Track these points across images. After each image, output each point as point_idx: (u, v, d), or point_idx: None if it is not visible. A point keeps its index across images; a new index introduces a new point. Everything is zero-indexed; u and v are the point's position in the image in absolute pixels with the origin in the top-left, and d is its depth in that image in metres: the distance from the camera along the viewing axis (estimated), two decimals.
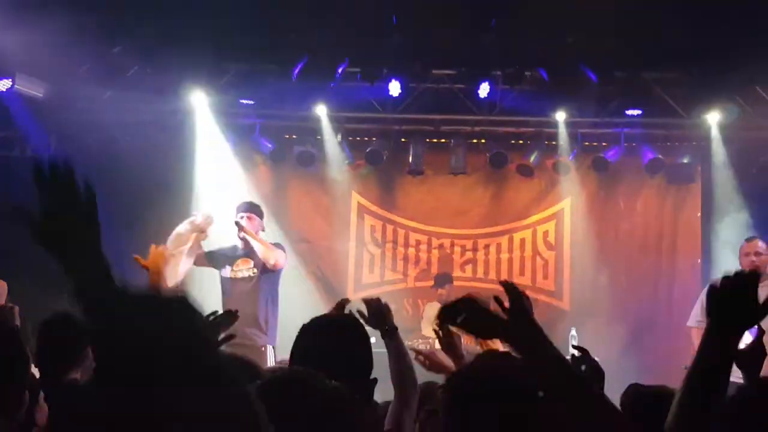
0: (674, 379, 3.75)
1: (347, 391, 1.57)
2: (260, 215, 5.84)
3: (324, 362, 1.62)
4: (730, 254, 7.33)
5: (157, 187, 7.48)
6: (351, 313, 2.54)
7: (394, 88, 7.02)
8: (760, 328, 2.15)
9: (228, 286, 5.70)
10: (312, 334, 2.24)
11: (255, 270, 5.69)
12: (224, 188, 7.59)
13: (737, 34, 5.95)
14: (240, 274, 5.71)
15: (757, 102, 7.02)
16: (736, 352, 2.12)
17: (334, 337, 2.28)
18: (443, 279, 7.57)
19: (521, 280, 8.06)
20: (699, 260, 7.86)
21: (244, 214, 5.73)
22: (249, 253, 5.72)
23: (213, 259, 5.75)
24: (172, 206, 7.44)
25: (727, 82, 6.82)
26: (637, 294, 7.78)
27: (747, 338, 2.17)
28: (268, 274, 5.69)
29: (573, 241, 8.07)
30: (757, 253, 5.71)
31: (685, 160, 7.79)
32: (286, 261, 5.78)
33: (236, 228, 5.65)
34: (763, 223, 7.18)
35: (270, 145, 7.84)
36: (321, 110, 7.45)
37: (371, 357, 2.28)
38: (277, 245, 5.83)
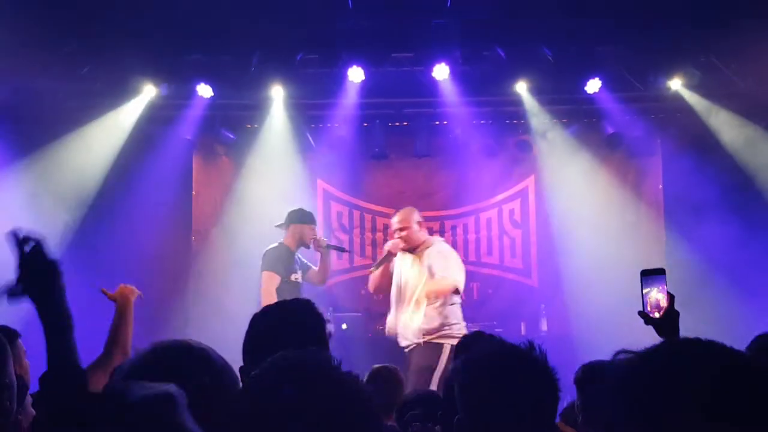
0: (642, 347, 3.85)
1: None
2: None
3: (281, 345, 1.59)
4: (694, 225, 7.50)
5: (119, 184, 7.43)
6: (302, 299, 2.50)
7: (355, 74, 6.99)
8: (670, 295, 2.26)
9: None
10: (265, 320, 2.23)
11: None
12: (186, 179, 7.51)
13: (687, 5, 6.02)
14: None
15: (712, 70, 7.10)
16: (653, 323, 2.24)
17: (289, 320, 2.28)
18: None
19: (489, 260, 8.14)
20: (663, 232, 7.98)
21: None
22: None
23: None
24: (135, 200, 7.39)
25: (682, 52, 6.90)
26: (602, 268, 7.87)
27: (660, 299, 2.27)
28: None
29: (538, 219, 8.14)
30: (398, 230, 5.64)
31: (644, 133, 7.88)
32: None
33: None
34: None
35: (231, 136, 7.79)
36: (279, 97, 7.39)
37: (325, 334, 2.29)
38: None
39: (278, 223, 6.13)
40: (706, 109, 7.42)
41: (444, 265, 5.52)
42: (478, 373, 1.82)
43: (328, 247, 6.10)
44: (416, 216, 5.77)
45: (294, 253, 6.01)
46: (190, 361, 1.67)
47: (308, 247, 6.06)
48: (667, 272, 2.33)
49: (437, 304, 5.55)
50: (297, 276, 5.96)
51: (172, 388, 1.25)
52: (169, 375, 1.57)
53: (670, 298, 2.29)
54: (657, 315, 2.28)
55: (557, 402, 1.85)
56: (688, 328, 2.30)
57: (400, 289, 5.71)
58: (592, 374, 2.89)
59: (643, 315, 2.29)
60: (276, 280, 5.78)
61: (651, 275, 2.31)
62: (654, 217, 8.03)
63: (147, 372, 1.60)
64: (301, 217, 6.05)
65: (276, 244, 6.03)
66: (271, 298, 5.49)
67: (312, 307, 2.33)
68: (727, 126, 7.44)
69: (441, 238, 5.73)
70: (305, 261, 6.12)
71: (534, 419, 1.79)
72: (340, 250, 6.48)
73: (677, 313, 2.29)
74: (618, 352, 1.29)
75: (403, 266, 5.74)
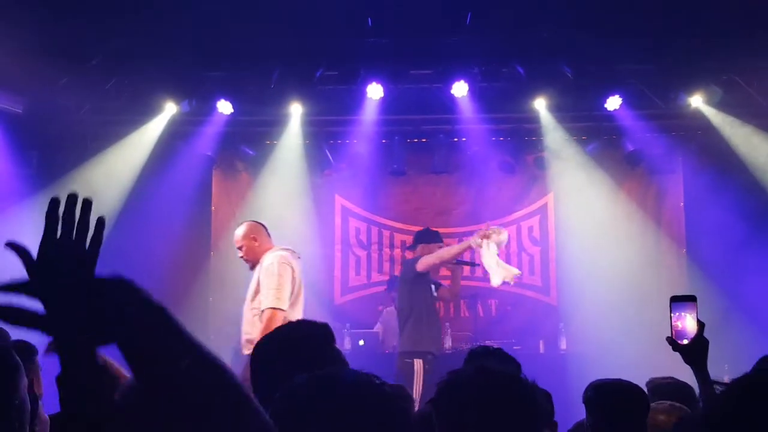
0: (662, 371, 3.80)
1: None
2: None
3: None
4: (715, 242, 7.42)
5: (139, 199, 7.49)
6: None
7: (375, 90, 7.02)
8: (700, 323, 2.23)
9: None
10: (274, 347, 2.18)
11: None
12: (206, 194, 7.55)
13: (708, 23, 5.99)
14: None
15: (734, 88, 7.05)
16: (681, 349, 2.21)
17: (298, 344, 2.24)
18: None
19: None
20: (684, 250, 7.91)
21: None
22: None
23: None
24: (155, 215, 7.45)
25: (703, 70, 6.86)
26: (622, 286, 7.79)
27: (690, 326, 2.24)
28: None
29: (558, 236, 8.10)
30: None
31: (665, 151, 7.83)
32: None
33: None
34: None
35: (250, 152, 7.84)
36: (298, 114, 7.44)
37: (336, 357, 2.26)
38: None
39: (408, 246, 6.49)
40: (728, 126, 7.36)
41: (266, 282, 5.49)
42: (456, 397, 1.78)
43: (458, 263, 6.10)
44: (252, 230, 5.65)
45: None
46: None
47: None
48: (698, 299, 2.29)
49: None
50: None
51: None
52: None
53: (700, 325, 2.25)
54: (685, 342, 2.24)
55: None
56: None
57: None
58: (599, 393, 2.85)
59: (671, 341, 2.25)
60: None
61: (681, 301, 2.27)
62: (675, 235, 7.96)
63: None
64: (428, 237, 6.14)
65: None
66: None
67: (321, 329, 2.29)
68: (748, 144, 7.36)
69: (280, 252, 5.62)
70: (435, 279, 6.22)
71: None
72: (471, 264, 6.39)
73: (706, 342, 2.24)
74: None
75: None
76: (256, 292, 5.44)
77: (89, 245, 1.38)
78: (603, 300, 7.67)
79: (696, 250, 7.75)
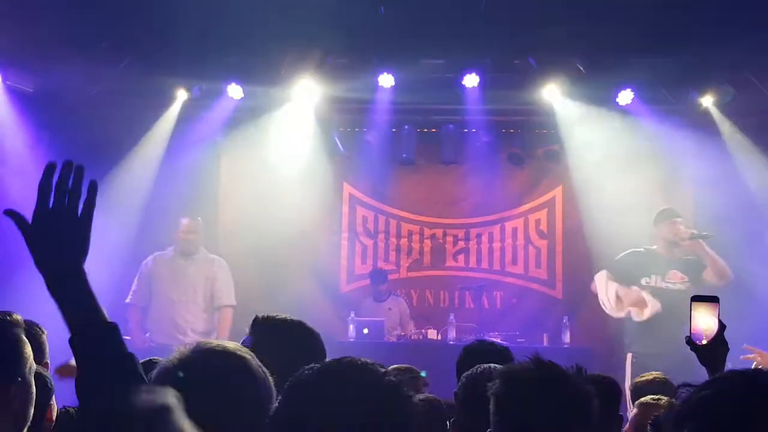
0: (667, 368, 3.79)
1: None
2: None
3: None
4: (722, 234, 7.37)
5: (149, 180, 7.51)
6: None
7: (386, 79, 7.00)
8: (721, 323, 2.21)
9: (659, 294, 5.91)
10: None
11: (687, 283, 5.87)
12: (214, 180, 7.55)
13: (721, 19, 5.93)
14: (669, 286, 5.90)
15: (747, 87, 6.99)
16: (698, 350, 2.20)
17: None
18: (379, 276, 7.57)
19: (514, 269, 8.09)
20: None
21: (678, 219, 5.99)
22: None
23: None
24: (165, 199, 7.46)
25: (715, 67, 6.80)
26: None
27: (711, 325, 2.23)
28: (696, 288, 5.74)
29: (565, 230, 8.07)
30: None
31: (676, 147, 7.77)
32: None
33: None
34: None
35: (259, 137, 7.83)
36: (309, 101, 7.41)
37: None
38: None
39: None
40: (731, 133, 7.33)
41: (228, 279, 6.20)
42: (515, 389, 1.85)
43: (692, 237, 5.98)
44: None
45: (660, 255, 6.07)
46: (229, 370, 1.64)
47: (677, 245, 6.06)
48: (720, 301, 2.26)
49: None
50: (649, 280, 6.01)
51: (170, 398, 1.25)
52: (206, 380, 1.58)
53: (721, 327, 2.22)
54: (704, 342, 2.21)
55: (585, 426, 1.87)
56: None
57: None
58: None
59: (689, 341, 2.23)
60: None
61: (703, 301, 2.25)
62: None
63: (187, 374, 1.59)
64: (658, 216, 6.13)
65: (641, 249, 6.19)
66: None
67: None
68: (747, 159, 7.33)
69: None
70: (695, 260, 6.02)
71: None
72: (705, 237, 6.05)
73: (726, 344, 2.22)
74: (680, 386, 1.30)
75: None
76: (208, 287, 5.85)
77: (82, 209, 1.44)
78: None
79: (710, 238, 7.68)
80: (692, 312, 2.23)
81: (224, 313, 6.70)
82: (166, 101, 7.41)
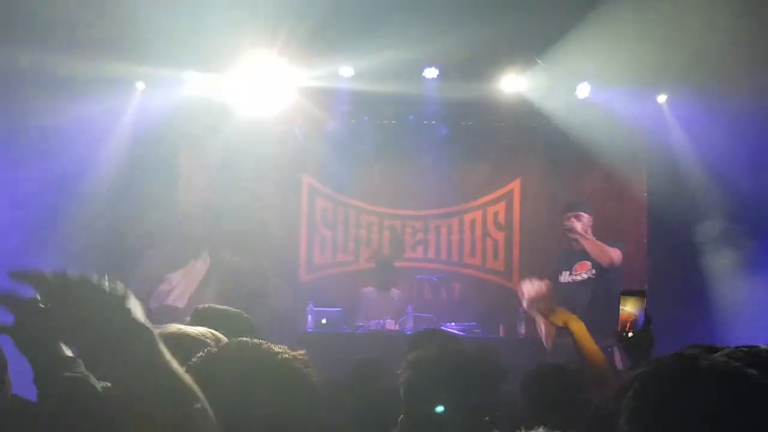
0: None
1: None
2: (589, 210, 5.99)
3: None
4: (674, 235, 7.52)
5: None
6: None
7: (346, 71, 6.99)
8: (647, 315, 2.27)
9: (569, 291, 5.78)
10: None
11: (593, 271, 5.77)
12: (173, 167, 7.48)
13: None
14: (576, 278, 5.81)
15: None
16: (625, 342, 2.26)
17: None
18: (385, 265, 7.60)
19: (472, 261, 8.15)
20: (645, 240, 8.00)
21: (570, 214, 5.86)
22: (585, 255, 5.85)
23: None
24: (122, 192, 7.37)
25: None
26: None
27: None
28: (606, 273, 5.73)
29: (523, 222, 8.15)
30: None
31: (632, 141, 7.89)
32: (621, 258, 5.80)
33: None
34: None
35: (219, 129, 7.76)
36: (269, 90, 7.35)
37: None
38: (614, 243, 5.91)
39: None
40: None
41: None
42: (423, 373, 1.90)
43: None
44: None
45: (569, 249, 6.22)
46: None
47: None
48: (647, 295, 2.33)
49: None
50: (563, 276, 6.08)
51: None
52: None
53: (647, 320, 2.29)
54: (630, 335, 2.27)
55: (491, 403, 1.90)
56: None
57: None
58: (538, 378, 2.89)
59: (617, 334, 2.29)
60: None
61: (631, 295, 2.31)
62: (638, 224, 8.04)
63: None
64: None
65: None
66: None
67: None
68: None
69: None
70: None
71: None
72: None
73: (652, 336, 2.28)
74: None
75: None
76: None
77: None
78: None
79: (657, 241, 7.84)
80: (620, 305, 2.28)
81: None
82: (122, 90, 7.29)
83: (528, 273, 7.81)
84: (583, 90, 7.25)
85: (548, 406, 2.60)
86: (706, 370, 1.22)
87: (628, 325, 2.27)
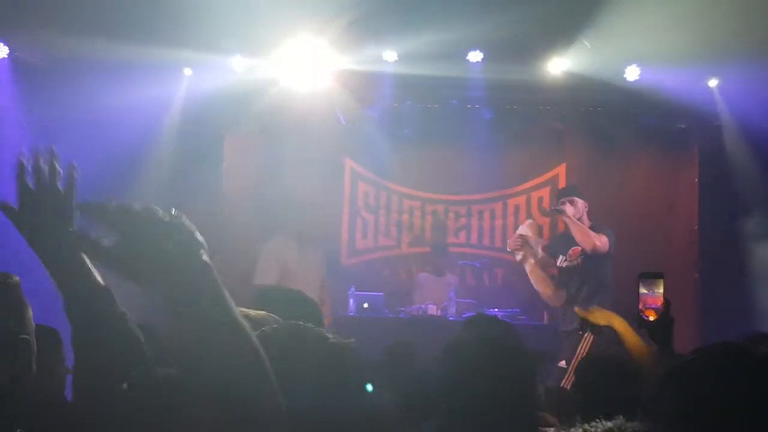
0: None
1: None
2: (582, 196, 5.98)
3: None
4: (725, 221, 7.35)
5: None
6: None
7: (389, 55, 6.96)
8: (666, 300, 2.25)
9: (562, 276, 5.86)
10: None
11: (581, 257, 5.78)
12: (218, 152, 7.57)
13: None
14: (569, 264, 5.84)
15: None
16: (647, 326, 2.26)
17: None
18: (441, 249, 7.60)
19: None
20: (696, 227, 7.83)
21: (565, 199, 5.85)
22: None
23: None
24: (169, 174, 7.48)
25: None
26: (632, 260, 7.73)
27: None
28: (592, 262, 5.70)
29: None
30: None
31: (683, 126, 7.73)
32: (608, 245, 5.77)
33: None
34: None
35: (262, 114, 7.81)
36: (312, 74, 7.36)
37: None
38: (602, 229, 5.86)
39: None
40: None
41: None
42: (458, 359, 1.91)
43: (551, 213, 6.61)
44: None
45: (565, 234, 6.25)
46: None
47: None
48: (665, 276, 2.33)
49: None
50: (559, 260, 6.08)
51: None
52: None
53: (667, 303, 2.29)
54: (651, 319, 2.26)
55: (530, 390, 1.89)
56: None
57: None
58: (594, 366, 2.86)
59: (638, 317, 2.29)
60: None
61: (649, 278, 2.31)
62: (688, 211, 7.88)
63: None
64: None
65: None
66: None
67: None
68: None
69: None
70: None
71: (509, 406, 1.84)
72: (557, 212, 6.23)
73: (672, 319, 2.29)
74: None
75: None
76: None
77: (64, 186, 1.56)
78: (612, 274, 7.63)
79: (709, 227, 7.68)
80: (639, 289, 2.28)
81: None
82: (170, 76, 7.38)
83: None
84: (633, 72, 7.08)
85: (604, 395, 2.60)
86: (757, 359, 1.23)
87: (648, 309, 2.27)
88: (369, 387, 1.44)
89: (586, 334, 5.44)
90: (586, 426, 0.97)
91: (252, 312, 1.85)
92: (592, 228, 5.89)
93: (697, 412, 1.22)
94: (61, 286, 1.57)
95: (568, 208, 5.85)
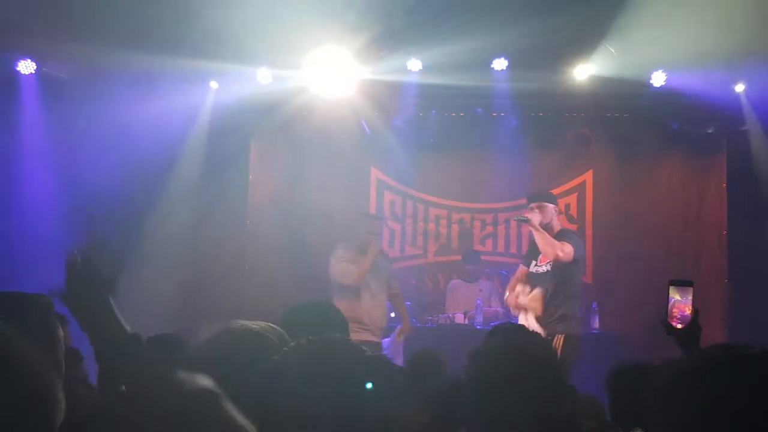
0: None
1: None
2: (553, 201, 5.83)
3: None
4: (754, 226, 7.26)
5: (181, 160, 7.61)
6: None
7: (414, 64, 6.98)
8: (695, 308, 2.23)
9: (532, 281, 5.75)
10: None
11: (550, 264, 5.65)
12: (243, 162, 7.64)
13: None
14: (538, 270, 5.74)
15: None
16: (675, 334, 2.25)
17: None
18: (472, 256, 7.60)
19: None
20: (725, 232, 7.75)
21: (534, 204, 5.73)
22: None
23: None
24: (195, 182, 7.56)
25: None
26: (662, 267, 7.67)
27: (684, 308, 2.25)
28: (559, 269, 5.58)
29: (595, 215, 7.99)
30: None
31: (710, 131, 7.66)
32: (573, 254, 5.58)
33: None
34: None
35: (289, 122, 7.87)
36: (337, 84, 7.39)
37: None
38: (568, 236, 5.71)
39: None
40: None
41: None
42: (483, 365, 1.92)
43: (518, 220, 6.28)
44: None
45: None
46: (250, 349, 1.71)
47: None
48: (694, 284, 2.34)
49: None
50: (530, 265, 5.95)
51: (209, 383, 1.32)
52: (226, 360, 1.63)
53: (695, 311, 2.28)
54: (679, 326, 2.26)
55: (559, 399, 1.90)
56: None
57: None
58: (623, 374, 2.85)
59: (666, 325, 2.28)
60: None
61: (679, 285, 2.31)
62: (716, 216, 7.80)
63: (210, 354, 1.66)
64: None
65: None
66: None
67: None
68: None
69: None
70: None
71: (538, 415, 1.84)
72: (522, 221, 6.08)
73: (700, 328, 2.28)
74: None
75: None
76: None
77: (109, 275, 1.81)
78: (641, 281, 7.58)
79: (737, 232, 7.59)
80: (668, 295, 2.27)
81: None
82: (195, 87, 7.46)
83: (602, 267, 7.77)
84: (659, 78, 7.03)
85: (635, 405, 2.59)
86: (756, 355, 1.26)
87: (677, 317, 2.26)
88: (369, 385, 1.46)
89: (555, 337, 5.42)
90: None
91: (253, 325, 1.87)
92: (561, 232, 5.74)
93: (701, 415, 1.23)
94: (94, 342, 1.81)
95: (535, 216, 5.68)
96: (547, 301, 5.57)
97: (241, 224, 8.06)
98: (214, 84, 7.39)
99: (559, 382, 1.96)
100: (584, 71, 7.02)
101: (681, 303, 2.28)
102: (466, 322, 7.15)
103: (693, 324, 2.27)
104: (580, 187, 8.05)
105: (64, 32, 6.47)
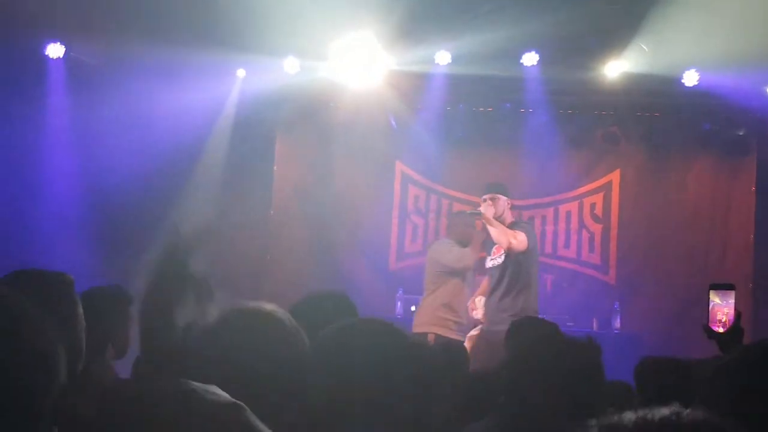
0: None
1: None
2: (505, 193, 5.82)
3: None
4: None
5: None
6: None
7: (443, 57, 6.93)
8: (737, 311, 2.22)
9: (489, 275, 5.77)
10: None
11: (503, 256, 5.63)
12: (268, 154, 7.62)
13: None
14: (493, 263, 5.72)
15: None
16: (716, 337, 2.21)
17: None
18: None
19: (566, 253, 7.96)
20: (752, 236, 7.64)
21: (487, 196, 5.72)
22: None
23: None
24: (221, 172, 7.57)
25: None
26: (686, 270, 7.58)
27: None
28: (513, 259, 5.57)
29: (621, 215, 7.90)
30: None
31: (741, 132, 7.55)
32: (527, 243, 5.56)
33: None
34: None
35: (314, 115, 7.86)
36: (364, 76, 7.37)
37: None
38: (520, 226, 5.70)
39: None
40: None
41: None
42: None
43: (470, 214, 6.19)
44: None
45: None
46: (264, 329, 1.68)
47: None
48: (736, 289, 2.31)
49: None
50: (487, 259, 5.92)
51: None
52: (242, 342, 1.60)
53: (737, 314, 2.25)
54: (721, 330, 2.23)
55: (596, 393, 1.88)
56: None
57: None
58: (651, 369, 2.81)
59: (707, 329, 2.24)
60: None
61: (720, 289, 2.29)
62: (744, 219, 7.69)
63: (221, 335, 1.63)
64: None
65: None
66: None
67: None
68: None
69: None
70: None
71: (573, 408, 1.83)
72: (474, 214, 6.08)
73: (742, 331, 2.25)
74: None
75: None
76: None
77: None
78: (664, 282, 7.51)
79: (765, 236, 7.48)
80: (710, 299, 2.24)
81: None
82: (222, 77, 7.46)
83: (626, 267, 7.70)
84: (691, 77, 6.94)
85: (666, 400, 2.54)
86: None
87: (718, 321, 2.22)
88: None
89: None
90: (641, 413, 0.97)
91: (266, 305, 1.85)
92: (513, 224, 5.69)
93: (748, 400, 1.29)
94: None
95: (488, 208, 5.64)
96: (503, 293, 5.52)
97: (265, 215, 8.06)
98: (241, 72, 7.39)
99: (596, 370, 1.93)
100: (615, 68, 6.95)
101: (723, 306, 2.25)
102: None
103: (735, 327, 2.24)
104: (607, 187, 7.96)
105: (93, 18, 6.50)
